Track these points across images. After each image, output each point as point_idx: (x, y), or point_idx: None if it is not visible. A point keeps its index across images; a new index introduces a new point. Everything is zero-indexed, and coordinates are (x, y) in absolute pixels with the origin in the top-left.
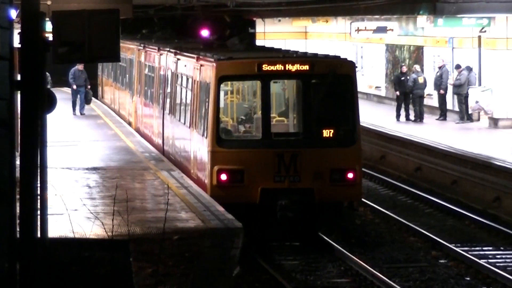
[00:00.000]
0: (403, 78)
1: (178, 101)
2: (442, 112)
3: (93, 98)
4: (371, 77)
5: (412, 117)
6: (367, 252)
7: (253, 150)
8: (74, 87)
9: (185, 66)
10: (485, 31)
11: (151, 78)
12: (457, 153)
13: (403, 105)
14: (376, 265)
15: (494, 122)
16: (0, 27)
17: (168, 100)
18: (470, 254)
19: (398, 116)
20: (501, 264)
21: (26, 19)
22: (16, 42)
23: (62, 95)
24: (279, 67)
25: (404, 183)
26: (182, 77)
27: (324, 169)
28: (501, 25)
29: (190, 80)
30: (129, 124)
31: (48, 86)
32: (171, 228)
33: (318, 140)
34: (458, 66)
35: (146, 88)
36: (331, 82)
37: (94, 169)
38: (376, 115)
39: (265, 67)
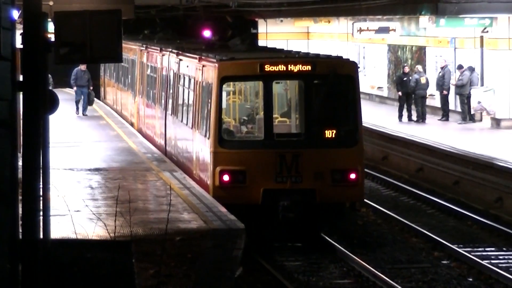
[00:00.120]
0: (405, 79)
1: (180, 101)
2: (444, 112)
3: (95, 99)
4: (373, 77)
5: (414, 117)
6: (369, 253)
7: (255, 150)
8: (74, 88)
9: (187, 66)
10: (487, 31)
11: (153, 78)
12: (459, 153)
13: (405, 106)
14: (378, 265)
15: (496, 123)
16: (2, 27)
17: (170, 101)
18: (472, 255)
19: (400, 116)
20: (503, 265)
21: (28, 20)
22: (18, 43)
23: (64, 96)
24: (281, 67)
25: (406, 183)
26: (184, 77)
27: (326, 170)
28: (503, 25)
29: (192, 80)
30: (131, 125)
31: (50, 87)
32: (173, 229)
33: (320, 140)
34: (460, 67)
35: (148, 88)
36: (333, 82)
37: (97, 170)
38: (378, 116)
39: (267, 68)
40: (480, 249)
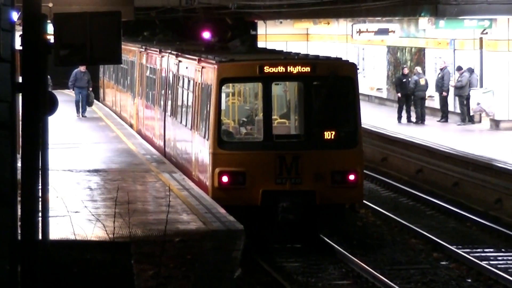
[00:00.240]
0: (404, 80)
1: (179, 103)
2: (444, 114)
3: (94, 100)
4: (372, 79)
5: (413, 119)
6: (369, 254)
7: (254, 152)
8: (72, 90)
9: (186, 68)
10: (486, 33)
11: (152, 80)
12: (459, 155)
13: (404, 107)
14: (377, 267)
15: (496, 124)
16: (1, 29)
17: (169, 102)
18: (472, 256)
19: (399, 118)
20: (503, 266)
21: (27, 21)
22: (18, 44)
23: (64, 97)
24: (281, 69)
25: (406, 185)
26: (183, 79)
27: (325, 171)
28: (503, 27)
29: (191, 82)
30: (131, 126)
31: (49, 88)
32: (173, 230)
33: (320, 142)
34: (459, 68)
35: (147, 90)
36: (332, 84)
37: (96, 171)
38: (378, 117)
39: (267, 69)
40: (479, 250)
